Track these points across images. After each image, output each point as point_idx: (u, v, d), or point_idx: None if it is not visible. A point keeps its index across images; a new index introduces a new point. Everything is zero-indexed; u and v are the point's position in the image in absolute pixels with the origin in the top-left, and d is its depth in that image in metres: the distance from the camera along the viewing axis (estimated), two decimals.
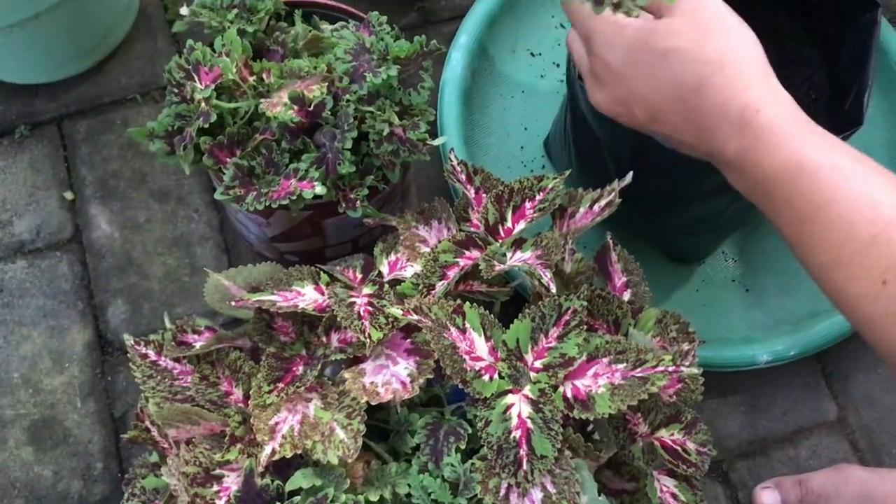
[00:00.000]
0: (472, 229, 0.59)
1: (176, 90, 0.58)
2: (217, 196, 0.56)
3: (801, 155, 0.42)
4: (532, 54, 0.83)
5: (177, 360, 0.57)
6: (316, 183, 0.55)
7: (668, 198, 0.66)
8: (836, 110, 0.67)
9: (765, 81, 0.45)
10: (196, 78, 0.56)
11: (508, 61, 0.82)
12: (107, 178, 0.78)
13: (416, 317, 0.52)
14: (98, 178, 0.78)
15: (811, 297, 0.75)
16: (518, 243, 0.57)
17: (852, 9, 0.63)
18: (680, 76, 0.45)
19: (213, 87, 0.55)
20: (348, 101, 0.57)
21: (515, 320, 0.52)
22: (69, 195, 0.77)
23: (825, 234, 0.42)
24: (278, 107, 0.58)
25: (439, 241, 0.58)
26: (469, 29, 0.80)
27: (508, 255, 0.57)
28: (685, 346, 0.57)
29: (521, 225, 0.58)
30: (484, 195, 0.61)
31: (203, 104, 0.55)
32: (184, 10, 0.86)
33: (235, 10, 0.62)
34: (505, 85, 0.82)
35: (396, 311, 0.52)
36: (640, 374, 0.49)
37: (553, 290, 0.51)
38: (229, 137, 0.57)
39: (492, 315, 0.52)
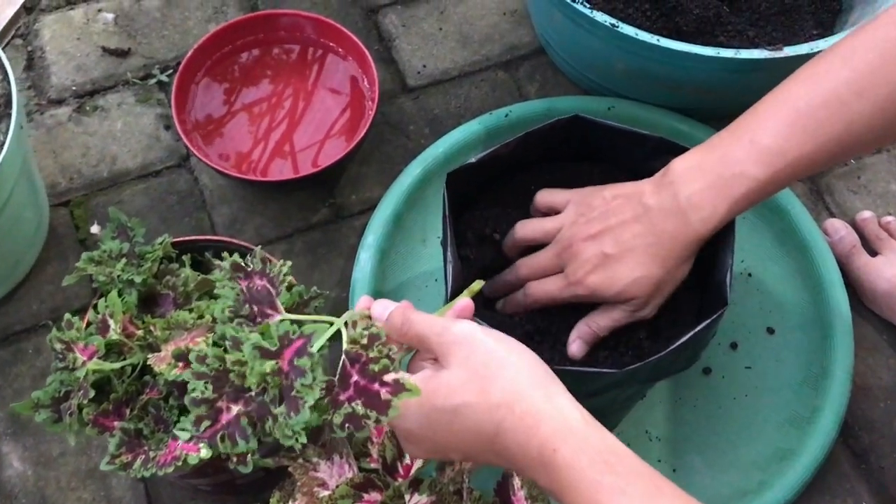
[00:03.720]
0: (372, 465, 0.59)
1: (60, 356, 0.57)
2: (103, 466, 0.55)
3: (595, 502, 0.43)
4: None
5: None
6: (202, 446, 0.54)
7: None
8: (706, 291, 0.68)
9: (555, 408, 0.46)
10: (75, 350, 0.56)
11: (419, 252, 0.83)
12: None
13: None
14: (10, 414, 0.76)
15: (739, 474, 0.74)
16: (415, 484, 0.56)
17: None
18: (477, 427, 0.46)
19: (91, 362, 0.55)
20: None
21: None
22: None
23: None
24: (165, 362, 0.58)
25: (338, 485, 0.57)
26: (376, 228, 0.81)
27: (407, 496, 0.56)
28: None
29: (419, 462, 0.57)
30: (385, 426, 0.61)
31: (83, 377, 0.55)
32: (94, 229, 0.87)
33: (124, 260, 0.63)
34: (418, 276, 0.82)
35: None
36: None
37: None
38: (115, 403, 0.56)
39: None
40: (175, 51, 0.94)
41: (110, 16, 0.96)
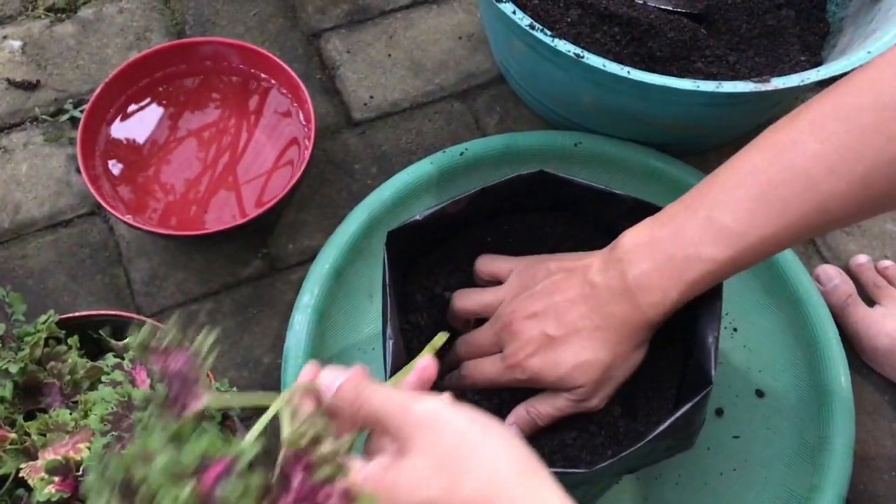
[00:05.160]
0: None
1: None
2: None
3: None
4: None
5: None
6: None
7: None
8: (690, 359, 0.60)
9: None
10: None
11: (365, 309, 0.73)
12: None
13: None
14: None
15: None
16: None
17: None
18: None
19: None
20: None
21: None
22: None
23: None
24: (40, 475, 0.48)
25: None
26: (312, 286, 0.71)
27: None
28: None
29: None
30: None
31: None
32: None
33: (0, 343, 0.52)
34: (364, 338, 0.73)
35: None
36: None
37: None
38: None
39: None
40: (90, 83, 0.84)
41: (17, 43, 0.85)
